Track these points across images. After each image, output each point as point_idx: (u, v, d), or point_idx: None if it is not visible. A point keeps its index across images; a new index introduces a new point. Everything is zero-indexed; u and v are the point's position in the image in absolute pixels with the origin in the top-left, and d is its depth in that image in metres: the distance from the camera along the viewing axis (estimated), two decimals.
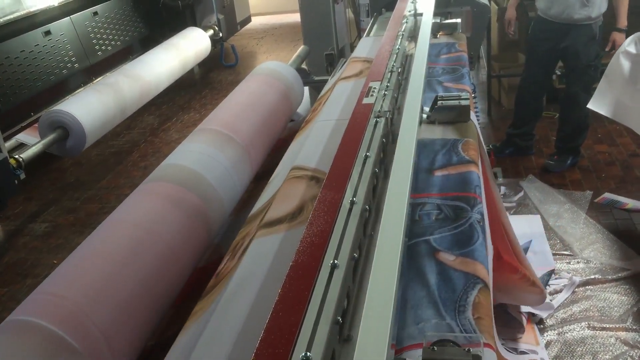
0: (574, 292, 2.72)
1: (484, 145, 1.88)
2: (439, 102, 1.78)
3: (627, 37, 3.42)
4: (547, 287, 2.76)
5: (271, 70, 2.59)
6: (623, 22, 3.57)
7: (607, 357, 2.35)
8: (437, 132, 1.75)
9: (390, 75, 1.75)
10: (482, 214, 1.33)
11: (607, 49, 3.59)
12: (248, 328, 1.08)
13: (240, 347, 1.04)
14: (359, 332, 0.79)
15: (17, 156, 3.22)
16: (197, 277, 1.66)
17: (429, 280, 1.12)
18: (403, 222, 1.02)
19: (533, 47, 3.87)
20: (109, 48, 5.11)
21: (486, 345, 0.92)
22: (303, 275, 0.88)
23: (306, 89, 3.00)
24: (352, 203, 1.08)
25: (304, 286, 0.85)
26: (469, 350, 0.84)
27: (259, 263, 1.26)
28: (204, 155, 1.85)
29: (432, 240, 1.24)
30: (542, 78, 3.91)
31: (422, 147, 1.63)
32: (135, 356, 1.36)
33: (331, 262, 0.91)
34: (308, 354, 0.74)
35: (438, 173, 1.51)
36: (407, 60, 2.06)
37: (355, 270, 0.98)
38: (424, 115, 1.81)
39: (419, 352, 0.87)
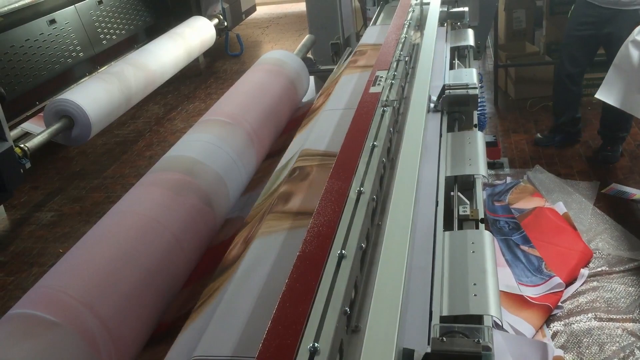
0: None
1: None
2: (447, 91, 1.76)
3: None
4: None
5: (277, 59, 2.57)
6: None
7: (613, 348, 2.33)
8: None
9: (397, 64, 1.74)
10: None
11: None
12: (256, 316, 1.07)
13: (247, 336, 1.03)
14: (368, 323, 0.78)
15: (22, 145, 3.21)
16: (210, 257, 1.66)
17: (522, 259, 2.74)
18: (411, 211, 1.00)
19: (574, 33, 3.66)
20: (114, 37, 5.08)
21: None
22: (310, 266, 0.87)
23: (312, 78, 2.98)
24: (360, 193, 1.07)
25: (311, 277, 0.84)
26: (478, 341, 0.83)
27: (269, 252, 1.25)
28: (210, 145, 1.84)
29: (514, 240, 2.89)
30: (583, 64, 3.71)
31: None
32: (140, 346, 1.36)
33: (339, 252, 0.90)
34: (316, 344, 0.73)
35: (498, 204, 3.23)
36: (414, 49, 2.04)
37: (362, 261, 0.97)
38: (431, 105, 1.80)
39: None
